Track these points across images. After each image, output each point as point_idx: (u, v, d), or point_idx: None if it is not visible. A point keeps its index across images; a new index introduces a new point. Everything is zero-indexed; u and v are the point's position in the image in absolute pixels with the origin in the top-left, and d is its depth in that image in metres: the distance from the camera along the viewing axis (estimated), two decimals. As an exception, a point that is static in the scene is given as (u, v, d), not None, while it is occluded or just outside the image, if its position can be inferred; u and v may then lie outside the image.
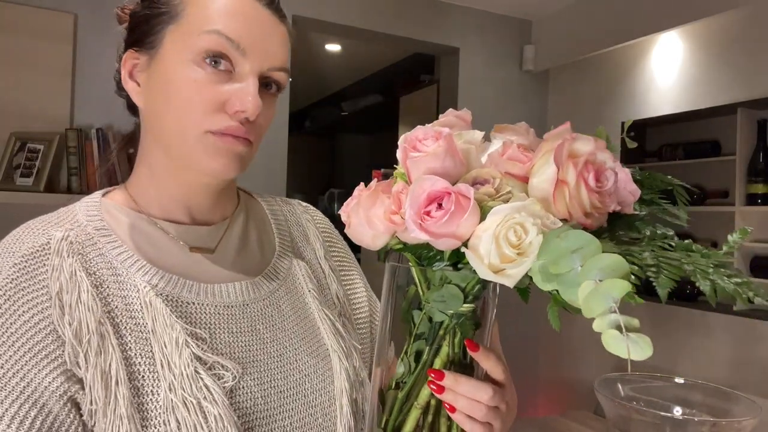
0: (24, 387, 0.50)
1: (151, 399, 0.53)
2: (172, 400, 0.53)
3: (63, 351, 0.52)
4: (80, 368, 0.52)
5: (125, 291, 0.57)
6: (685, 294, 2.35)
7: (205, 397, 0.54)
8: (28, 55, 2.10)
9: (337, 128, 5.07)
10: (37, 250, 0.56)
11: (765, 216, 2.16)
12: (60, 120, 2.14)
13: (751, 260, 2.14)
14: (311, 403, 0.62)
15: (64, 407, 0.51)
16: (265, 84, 0.60)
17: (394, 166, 0.54)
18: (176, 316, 0.57)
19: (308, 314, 0.67)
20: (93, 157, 2.08)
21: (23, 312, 0.52)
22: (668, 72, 2.56)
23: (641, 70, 2.69)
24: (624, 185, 0.49)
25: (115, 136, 2.14)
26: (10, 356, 0.51)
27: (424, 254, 0.51)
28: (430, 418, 0.53)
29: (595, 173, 0.47)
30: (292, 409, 0.61)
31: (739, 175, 2.14)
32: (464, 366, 0.54)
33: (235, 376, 0.57)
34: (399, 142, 0.52)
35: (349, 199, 0.53)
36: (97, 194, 0.67)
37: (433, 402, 0.53)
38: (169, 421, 0.52)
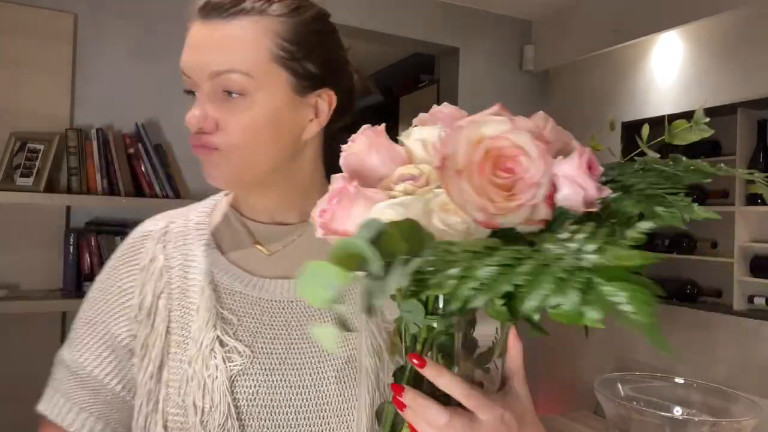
0: (104, 333, 0.67)
1: (173, 366, 0.63)
2: (186, 371, 0.61)
3: (134, 314, 0.66)
4: (137, 329, 0.66)
5: (190, 275, 0.67)
6: (685, 294, 2.35)
7: (209, 375, 0.61)
8: (28, 55, 2.10)
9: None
10: (144, 235, 0.71)
11: (765, 216, 2.16)
12: (60, 120, 2.14)
13: (751, 260, 2.14)
14: (325, 405, 0.63)
15: (126, 354, 0.66)
16: (228, 92, 0.62)
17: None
18: (221, 303, 0.65)
19: (358, 329, 0.66)
20: (93, 157, 2.08)
21: (119, 279, 0.68)
22: (668, 72, 2.56)
23: (641, 70, 2.69)
24: (566, 180, 0.41)
25: (115, 136, 2.14)
26: (102, 310, 0.67)
27: None
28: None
29: (495, 161, 0.40)
30: (302, 406, 0.63)
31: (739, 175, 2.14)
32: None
33: (244, 362, 0.62)
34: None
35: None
36: (222, 193, 0.76)
37: None
38: (180, 388, 0.61)
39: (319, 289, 0.34)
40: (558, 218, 0.42)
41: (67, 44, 2.16)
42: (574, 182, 0.42)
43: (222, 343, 0.62)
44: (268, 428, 0.62)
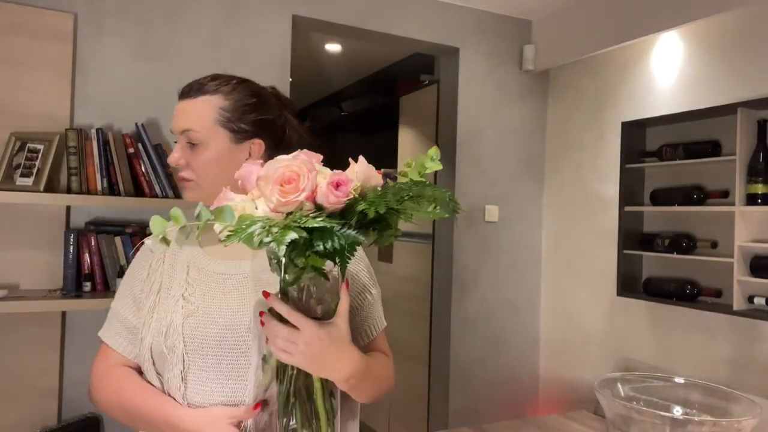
0: (131, 293, 1.08)
1: (159, 310, 1.02)
2: (164, 312, 1.01)
3: (143, 280, 1.07)
4: (143, 288, 1.06)
5: (178, 257, 1.06)
6: (685, 294, 2.35)
7: (173, 315, 1.00)
8: (28, 55, 2.10)
9: (337, 128, 5.07)
10: (144, 241, 0.97)
11: (765, 216, 2.16)
12: (60, 120, 2.14)
13: (751, 260, 2.14)
14: (240, 342, 0.97)
15: (139, 303, 1.06)
16: (191, 143, 1.03)
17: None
18: (189, 275, 1.04)
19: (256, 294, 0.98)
20: (93, 157, 2.08)
21: (138, 261, 1.11)
22: (668, 72, 2.56)
23: (641, 70, 2.69)
24: (321, 191, 0.77)
25: (115, 136, 2.14)
26: (130, 278, 1.10)
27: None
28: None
29: (284, 179, 0.76)
30: (225, 340, 0.97)
31: (739, 175, 2.13)
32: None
33: (191, 309, 1.00)
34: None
35: None
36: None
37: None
38: (159, 321, 1.01)
39: (157, 226, 0.74)
40: (317, 208, 0.77)
41: (67, 44, 2.16)
42: (324, 193, 0.77)
43: (183, 298, 1.01)
44: (202, 352, 0.96)
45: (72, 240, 2.08)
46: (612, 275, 2.71)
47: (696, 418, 1.30)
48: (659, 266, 2.56)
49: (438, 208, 0.81)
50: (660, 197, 2.49)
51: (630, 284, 2.60)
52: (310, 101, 5.23)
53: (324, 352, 0.83)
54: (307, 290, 0.84)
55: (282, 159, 0.78)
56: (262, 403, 0.92)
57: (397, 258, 3.67)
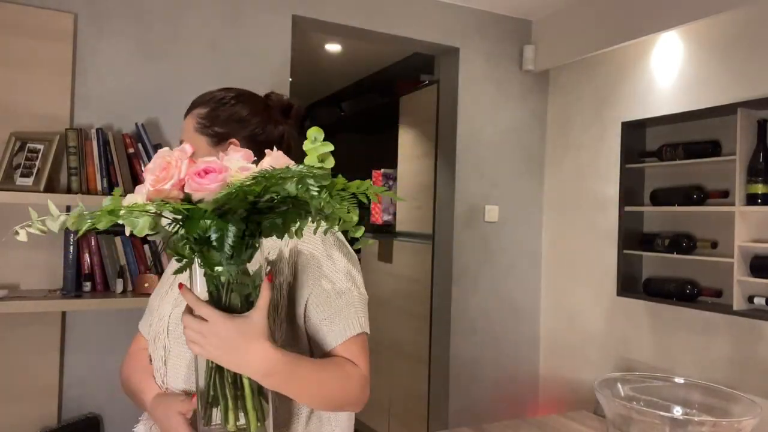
0: (162, 281, 1.18)
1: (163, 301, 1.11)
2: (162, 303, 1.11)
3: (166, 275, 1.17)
4: (164, 280, 1.17)
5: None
6: (685, 294, 2.35)
7: (166, 302, 1.08)
8: (28, 54, 2.10)
9: (337, 128, 5.07)
10: None
11: (765, 216, 2.16)
12: (60, 120, 2.14)
13: (751, 260, 2.14)
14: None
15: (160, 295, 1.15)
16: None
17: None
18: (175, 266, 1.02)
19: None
20: (93, 157, 2.08)
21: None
22: (668, 72, 2.56)
23: (641, 70, 2.69)
24: (189, 178, 0.79)
25: (115, 136, 2.14)
26: (166, 269, 1.21)
27: None
28: None
29: (162, 168, 0.80)
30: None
31: (739, 175, 2.13)
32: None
33: (179, 301, 1.01)
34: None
35: None
36: None
37: None
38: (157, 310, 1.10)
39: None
40: (188, 196, 0.79)
41: (67, 44, 2.16)
42: (188, 181, 0.79)
43: (171, 289, 1.08)
44: (179, 340, 0.99)
45: (72, 240, 2.08)
46: (612, 275, 2.71)
47: (696, 418, 1.30)
48: (659, 266, 2.56)
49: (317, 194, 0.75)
50: (660, 197, 2.49)
51: (630, 284, 2.60)
52: (310, 101, 5.23)
53: (232, 345, 0.82)
54: (226, 284, 0.84)
55: (164, 150, 0.82)
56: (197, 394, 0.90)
57: (397, 258, 3.67)
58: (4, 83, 2.06)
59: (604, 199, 2.85)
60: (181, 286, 0.87)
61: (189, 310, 0.85)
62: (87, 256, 2.11)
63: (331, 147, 0.83)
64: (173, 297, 1.06)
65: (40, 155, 2.02)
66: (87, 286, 2.09)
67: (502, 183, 3.09)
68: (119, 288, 2.11)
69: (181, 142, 1.09)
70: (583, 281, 2.96)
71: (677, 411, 1.38)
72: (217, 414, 0.85)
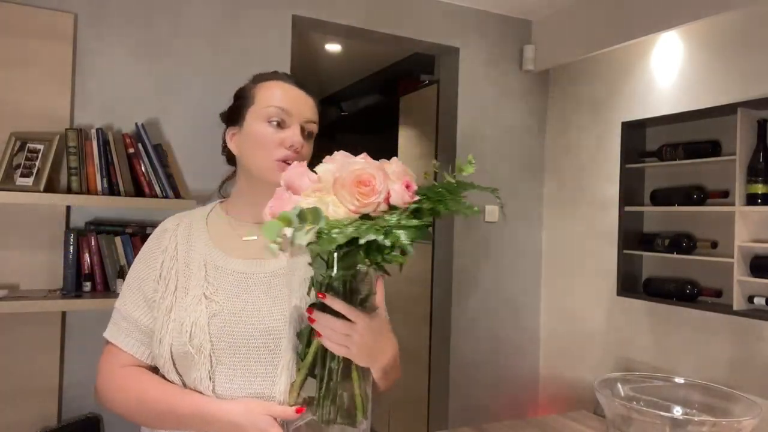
0: (140, 291, 1.07)
1: (177, 310, 1.02)
2: (184, 311, 1.01)
3: (156, 279, 1.06)
4: (157, 287, 1.05)
5: (192, 255, 1.07)
6: (685, 294, 2.35)
7: (197, 315, 1.00)
8: (28, 54, 2.10)
9: (337, 128, 5.07)
10: (164, 229, 1.12)
11: (765, 216, 2.16)
12: (60, 120, 2.14)
13: (751, 260, 2.14)
14: (269, 340, 1.00)
15: (152, 303, 1.05)
16: (304, 131, 1.09)
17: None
18: (208, 274, 1.04)
19: (287, 293, 1.04)
20: (93, 157, 2.08)
21: (148, 258, 1.09)
22: (668, 72, 2.56)
23: (641, 70, 2.69)
24: (395, 191, 0.84)
25: (115, 136, 2.14)
26: (139, 277, 1.08)
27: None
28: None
29: (360, 181, 0.82)
30: (252, 338, 0.99)
31: (739, 175, 2.13)
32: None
33: (216, 308, 1.00)
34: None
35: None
36: (218, 201, 1.19)
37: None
38: (181, 323, 1.00)
39: (272, 231, 0.76)
40: (393, 208, 0.84)
41: (67, 44, 2.16)
42: (400, 194, 0.83)
43: (206, 297, 1.01)
44: (230, 351, 0.98)
45: (72, 240, 2.08)
46: (612, 275, 2.71)
47: (696, 418, 1.30)
48: (659, 266, 2.56)
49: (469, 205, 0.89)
50: (660, 197, 2.49)
51: (630, 284, 2.60)
52: (310, 101, 5.22)
53: (375, 342, 0.90)
54: (349, 284, 0.90)
55: (353, 162, 0.85)
56: (306, 405, 0.93)
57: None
58: (4, 83, 2.06)
59: (604, 199, 2.85)
60: (323, 295, 0.87)
61: (327, 317, 0.87)
62: (87, 256, 2.11)
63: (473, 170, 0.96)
64: (204, 305, 1.00)
65: (40, 155, 2.02)
66: (87, 286, 2.09)
67: (502, 183, 3.09)
68: (119, 288, 2.11)
69: (278, 123, 1.06)
70: (583, 281, 2.96)
71: (677, 411, 1.37)
72: (329, 412, 0.90)
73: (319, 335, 0.88)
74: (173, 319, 1.00)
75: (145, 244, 1.12)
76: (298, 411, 0.92)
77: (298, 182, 0.85)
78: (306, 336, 0.94)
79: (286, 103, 1.08)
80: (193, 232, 1.09)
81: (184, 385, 1.00)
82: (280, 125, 1.06)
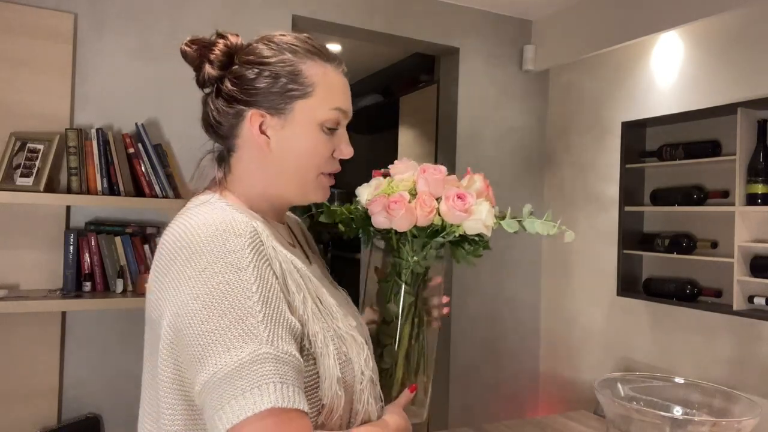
0: (285, 322, 0.74)
1: (317, 331, 0.80)
2: (336, 333, 0.83)
3: (284, 298, 0.77)
4: (288, 294, 0.78)
5: (281, 259, 0.80)
6: (685, 294, 2.35)
7: (351, 330, 0.86)
8: (28, 55, 2.10)
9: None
10: (255, 232, 0.77)
11: (765, 216, 2.16)
12: (60, 120, 2.14)
13: (751, 260, 2.14)
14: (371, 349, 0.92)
15: (295, 336, 0.75)
16: None
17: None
18: (313, 282, 0.85)
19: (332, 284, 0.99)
20: (93, 157, 2.08)
21: (265, 275, 0.74)
22: (668, 72, 2.56)
23: (641, 70, 2.69)
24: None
25: (115, 136, 2.14)
26: (274, 305, 0.73)
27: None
28: (415, 330, 1.03)
29: (458, 195, 1.02)
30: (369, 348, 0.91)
31: (739, 175, 2.13)
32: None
33: (354, 325, 0.88)
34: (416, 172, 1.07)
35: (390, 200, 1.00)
36: (216, 197, 0.86)
37: (416, 321, 1.03)
38: (339, 344, 0.82)
39: (512, 226, 1.19)
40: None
41: (67, 44, 2.16)
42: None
43: (333, 316, 0.85)
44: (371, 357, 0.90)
45: (72, 240, 2.08)
46: (612, 275, 2.71)
47: (696, 418, 1.30)
48: (659, 266, 2.56)
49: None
50: (660, 197, 2.49)
51: (630, 284, 2.60)
52: (310, 101, 5.22)
53: None
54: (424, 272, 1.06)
55: (476, 178, 1.09)
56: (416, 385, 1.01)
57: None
58: (4, 83, 2.06)
59: (604, 199, 2.85)
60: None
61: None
62: (87, 256, 2.11)
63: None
64: (359, 319, 0.93)
65: (40, 155, 2.02)
66: (87, 286, 2.09)
67: (502, 183, 3.09)
68: (119, 288, 2.11)
69: (331, 128, 0.88)
70: (583, 281, 2.96)
71: (677, 411, 1.37)
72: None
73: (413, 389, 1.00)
74: (331, 349, 0.80)
75: (245, 257, 0.74)
76: (411, 389, 0.99)
77: (440, 185, 1.01)
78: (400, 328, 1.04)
79: (347, 103, 0.89)
80: (268, 237, 0.83)
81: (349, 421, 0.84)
82: (332, 130, 0.88)
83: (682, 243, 2.37)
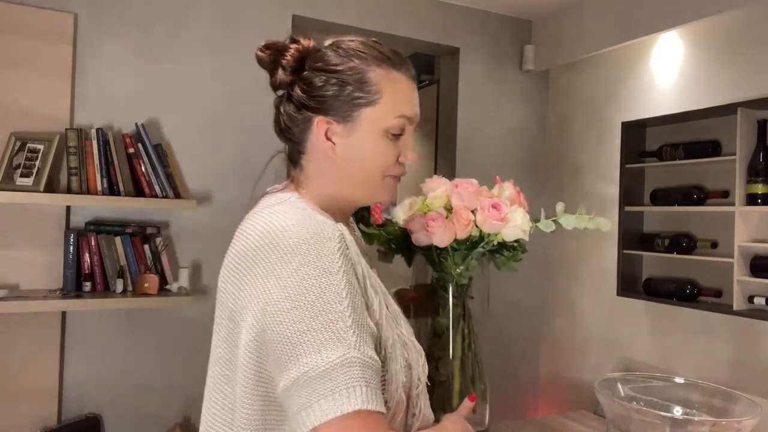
0: (368, 327, 0.77)
1: (388, 336, 0.83)
2: (399, 338, 0.86)
3: (363, 303, 0.80)
4: (368, 298, 0.82)
5: (362, 264, 0.82)
6: (685, 294, 2.35)
7: (407, 338, 0.89)
8: (28, 55, 2.10)
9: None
10: (342, 235, 0.80)
11: (765, 216, 2.16)
12: (60, 120, 2.14)
13: (751, 260, 2.14)
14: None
15: (374, 339, 0.79)
16: None
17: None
18: (381, 291, 0.88)
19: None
20: (93, 157, 2.08)
21: (350, 280, 0.77)
22: (668, 72, 2.56)
23: (641, 70, 2.68)
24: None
25: (115, 136, 2.14)
26: (360, 310, 0.77)
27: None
28: (467, 340, 1.12)
29: (494, 205, 1.10)
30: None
31: (739, 175, 2.13)
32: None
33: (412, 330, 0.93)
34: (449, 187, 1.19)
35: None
36: (295, 195, 0.89)
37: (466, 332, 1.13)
38: (400, 349, 0.84)
39: (549, 226, 1.41)
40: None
41: (67, 44, 2.16)
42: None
43: (396, 321, 0.89)
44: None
45: (72, 240, 2.08)
46: (612, 275, 2.71)
47: (696, 418, 1.30)
48: (659, 266, 2.56)
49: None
50: (660, 197, 2.49)
51: (630, 284, 2.60)
52: (310, 101, 5.22)
53: None
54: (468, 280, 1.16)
55: (506, 186, 1.15)
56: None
57: (397, 258, 3.67)
58: (4, 83, 2.06)
59: (604, 199, 2.85)
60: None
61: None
62: (87, 256, 2.11)
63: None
64: (406, 323, 0.93)
65: (40, 155, 2.02)
66: (87, 286, 2.09)
67: (502, 183, 3.09)
68: (119, 288, 2.11)
69: (396, 134, 0.89)
70: (584, 281, 2.96)
71: (677, 411, 1.38)
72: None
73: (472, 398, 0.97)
74: (400, 353, 0.85)
75: (332, 261, 0.77)
76: (471, 398, 0.97)
77: (474, 198, 1.05)
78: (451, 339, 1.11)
79: (414, 109, 0.90)
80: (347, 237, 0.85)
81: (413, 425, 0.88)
82: (397, 136, 0.89)
83: (682, 243, 2.37)
